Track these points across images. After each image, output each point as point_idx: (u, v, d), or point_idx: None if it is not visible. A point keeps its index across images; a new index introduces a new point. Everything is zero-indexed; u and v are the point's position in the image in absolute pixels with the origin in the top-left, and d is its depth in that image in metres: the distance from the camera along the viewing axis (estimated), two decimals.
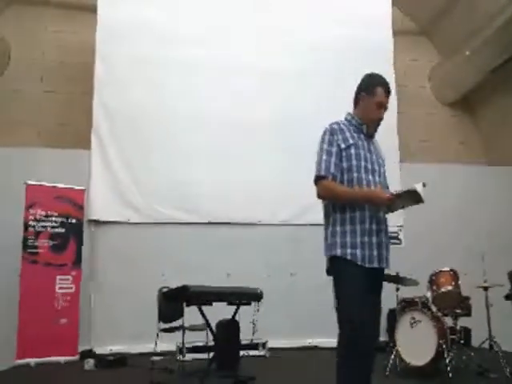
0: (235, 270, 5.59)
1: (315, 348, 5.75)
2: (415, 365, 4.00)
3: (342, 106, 6.76)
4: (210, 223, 5.94)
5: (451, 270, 4.38)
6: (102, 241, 5.73)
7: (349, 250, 2.18)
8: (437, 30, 8.40)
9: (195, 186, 5.99)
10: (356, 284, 2.15)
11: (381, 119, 2.44)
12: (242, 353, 4.58)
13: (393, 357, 4.16)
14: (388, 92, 2.43)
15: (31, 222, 5.09)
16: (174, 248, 5.76)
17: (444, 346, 3.95)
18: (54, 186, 5.31)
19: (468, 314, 4.38)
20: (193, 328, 4.15)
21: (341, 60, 6.60)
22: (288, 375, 4.31)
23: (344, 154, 2.27)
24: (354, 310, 2.10)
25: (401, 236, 6.43)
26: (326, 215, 2.31)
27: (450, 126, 7.90)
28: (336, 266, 2.23)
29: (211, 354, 4.21)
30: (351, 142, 2.30)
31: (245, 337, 4.69)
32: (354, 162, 2.27)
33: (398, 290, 4.50)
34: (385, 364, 4.16)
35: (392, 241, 6.48)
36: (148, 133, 6.07)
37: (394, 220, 6.37)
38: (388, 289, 4.61)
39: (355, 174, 2.26)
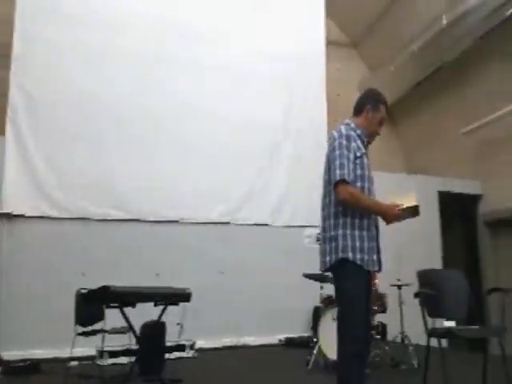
0: (164, 269, 5.47)
1: (244, 347, 5.81)
2: (336, 359, 4.16)
3: (275, 112, 6.97)
4: (138, 220, 5.76)
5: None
6: (16, 237, 5.29)
7: (359, 255, 2.28)
8: (366, 44, 8.93)
9: (123, 181, 5.77)
10: (362, 289, 2.30)
11: (379, 134, 2.58)
12: (168, 355, 4.48)
13: (315, 352, 4.31)
14: (388, 111, 2.60)
15: None
16: (97, 246, 5.49)
17: None
18: None
19: (384, 310, 4.66)
20: (113, 331, 3.97)
21: (277, 66, 6.76)
22: (216, 376, 4.29)
23: (358, 162, 2.37)
24: (359, 315, 2.25)
25: None
26: (336, 217, 2.35)
27: (376, 137, 8.40)
28: (346, 269, 2.29)
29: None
30: (363, 151, 2.43)
31: (173, 338, 4.60)
32: (366, 172, 2.40)
33: (322, 288, 4.68)
34: (308, 359, 4.31)
35: (319, 242, 6.76)
36: (72, 123, 5.72)
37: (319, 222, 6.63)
38: (313, 287, 4.80)
39: (366, 184, 2.39)
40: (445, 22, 6.58)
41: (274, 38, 6.81)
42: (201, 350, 5.29)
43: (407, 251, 6.48)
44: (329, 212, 2.40)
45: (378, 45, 8.48)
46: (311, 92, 7.00)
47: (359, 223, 2.33)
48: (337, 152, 2.36)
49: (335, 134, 2.44)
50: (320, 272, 4.34)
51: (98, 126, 5.82)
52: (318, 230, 6.65)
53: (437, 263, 7.01)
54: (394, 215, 2.34)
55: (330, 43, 7.57)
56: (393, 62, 7.84)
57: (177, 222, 5.95)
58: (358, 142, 2.43)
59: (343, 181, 2.29)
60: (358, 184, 2.36)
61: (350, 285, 2.29)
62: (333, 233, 2.34)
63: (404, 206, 2.32)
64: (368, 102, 2.55)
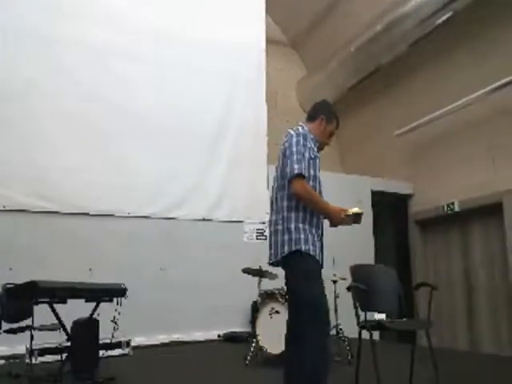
0: (99, 264, 5.27)
1: (183, 343, 5.74)
2: (273, 353, 4.24)
3: (215, 107, 6.98)
4: (71, 214, 5.48)
5: None
6: None
7: (311, 247, 2.38)
8: (304, 45, 9.11)
9: (55, 171, 5.47)
10: (318, 276, 2.39)
11: (328, 145, 2.73)
12: (103, 353, 4.33)
13: (253, 346, 4.36)
14: (338, 126, 2.73)
15: None
16: (25, 239, 5.18)
17: None
18: None
19: None
20: (42, 328, 3.79)
21: (217, 61, 6.76)
22: (151, 373, 4.20)
23: (311, 162, 2.46)
24: (319, 299, 2.32)
25: (266, 233, 6.78)
26: (289, 210, 2.43)
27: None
28: (302, 260, 2.36)
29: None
30: (316, 153, 2.53)
31: (108, 336, 4.46)
32: (318, 173, 2.52)
33: (260, 282, 4.73)
34: (246, 354, 4.34)
35: (259, 237, 6.86)
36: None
37: (260, 217, 6.73)
38: (252, 282, 4.84)
39: (317, 185, 2.50)
40: (379, 26, 6.86)
41: (215, 33, 6.78)
42: (138, 348, 5.16)
43: (341, 247, 6.69)
44: (282, 206, 2.47)
45: (317, 46, 8.70)
46: (251, 88, 7.06)
47: (310, 220, 2.44)
48: (294, 148, 2.43)
49: (292, 131, 2.52)
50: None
51: (30, 114, 5.48)
52: (257, 226, 6.78)
53: (370, 259, 7.32)
54: (340, 218, 2.44)
55: (270, 42, 7.66)
56: (330, 63, 8.07)
57: (113, 215, 5.75)
58: (312, 143, 2.53)
59: (300, 175, 2.37)
60: (311, 183, 2.45)
61: (308, 274, 2.35)
62: (286, 225, 2.41)
63: (350, 212, 2.46)
64: (323, 112, 2.66)
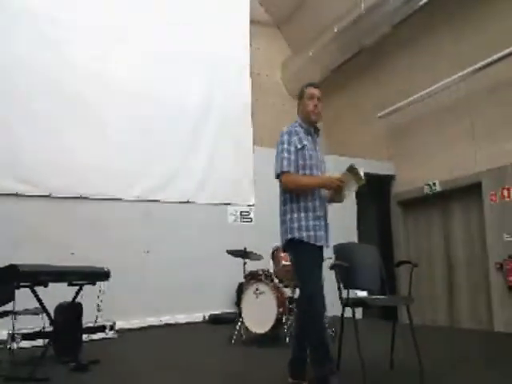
0: (81, 248, 5.23)
1: (169, 326, 5.76)
2: (258, 332, 4.29)
3: (199, 90, 6.88)
4: (51, 197, 5.40)
5: None
6: None
7: (304, 233, 2.64)
8: (289, 26, 9.00)
9: (36, 154, 5.36)
10: (310, 261, 2.65)
11: (316, 107, 2.81)
12: (87, 336, 4.32)
13: (238, 326, 4.40)
14: (315, 86, 2.87)
15: None
16: (5, 223, 5.06)
17: (283, 314, 4.33)
18: None
19: None
20: (25, 312, 3.74)
21: (201, 43, 6.67)
22: (135, 355, 4.20)
23: (300, 153, 2.70)
24: (310, 282, 2.61)
25: (251, 215, 6.79)
26: (284, 204, 2.74)
27: (296, 117, 8.56)
28: (294, 247, 2.68)
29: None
30: (304, 143, 2.73)
31: (93, 319, 4.45)
32: (308, 162, 2.72)
33: (245, 263, 4.75)
34: (231, 334, 4.38)
35: (243, 219, 6.86)
36: None
37: (245, 200, 6.72)
38: (238, 263, 4.86)
39: (308, 171, 2.72)
40: (363, 7, 6.81)
41: (198, 13, 6.68)
42: (123, 331, 5.17)
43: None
44: (280, 199, 2.78)
45: (302, 26, 8.61)
46: (235, 69, 6.98)
47: (304, 206, 2.68)
48: (279, 148, 2.72)
49: (281, 132, 2.77)
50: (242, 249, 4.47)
51: (11, 91, 5.36)
52: (241, 208, 6.79)
53: (353, 239, 7.39)
54: (332, 182, 2.66)
55: (254, 22, 7.54)
56: (314, 44, 8.01)
57: (96, 198, 5.67)
58: (301, 134, 2.75)
59: (283, 172, 2.65)
60: (301, 172, 2.69)
61: (301, 260, 2.65)
62: (283, 217, 2.74)
63: (341, 174, 2.66)
64: (297, 99, 2.91)
